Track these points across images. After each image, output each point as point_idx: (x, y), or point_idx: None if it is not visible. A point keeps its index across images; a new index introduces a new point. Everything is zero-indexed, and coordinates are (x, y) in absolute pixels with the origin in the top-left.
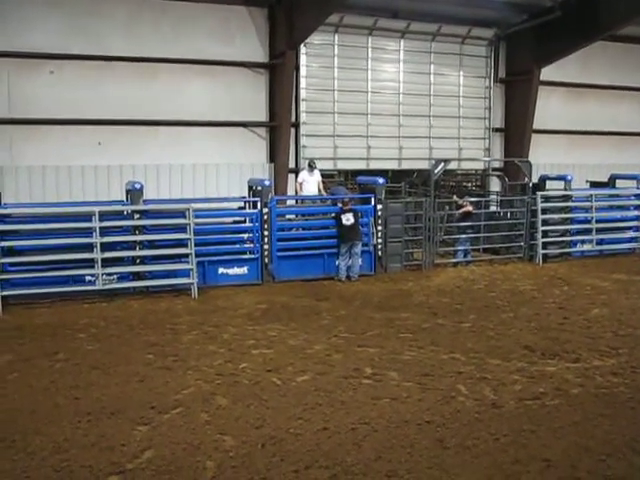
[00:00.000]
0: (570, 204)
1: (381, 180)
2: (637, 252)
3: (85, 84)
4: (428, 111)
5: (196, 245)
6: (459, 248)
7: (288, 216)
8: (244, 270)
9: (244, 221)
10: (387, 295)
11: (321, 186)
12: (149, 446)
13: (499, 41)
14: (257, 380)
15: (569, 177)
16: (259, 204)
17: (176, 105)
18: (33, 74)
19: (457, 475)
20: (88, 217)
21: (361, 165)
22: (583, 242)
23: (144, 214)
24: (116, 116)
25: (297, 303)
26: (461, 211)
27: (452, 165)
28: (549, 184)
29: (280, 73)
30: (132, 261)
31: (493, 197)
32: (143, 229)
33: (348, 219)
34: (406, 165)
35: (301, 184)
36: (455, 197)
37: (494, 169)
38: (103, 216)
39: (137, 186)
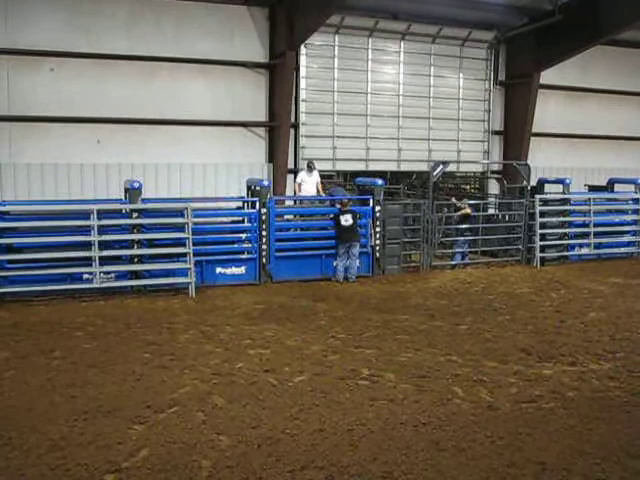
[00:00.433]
0: (568, 208)
1: (380, 181)
2: (634, 256)
3: (85, 82)
4: (428, 113)
5: (194, 244)
6: (457, 250)
7: (286, 216)
8: (242, 270)
9: (242, 221)
10: (384, 297)
11: (320, 187)
12: (145, 445)
13: (499, 44)
14: (254, 380)
15: (567, 181)
16: (257, 204)
17: (176, 104)
18: (33, 71)
19: (453, 477)
20: (86, 215)
21: (360, 166)
22: (581, 246)
23: (142, 213)
24: (116, 114)
25: (294, 303)
26: (459, 213)
27: (451, 167)
28: (547, 187)
29: (280, 73)
30: (130, 260)
31: (491, 200)
32: (141, 228)
33: (347, 220)
34: (405, 167)
35: (299, 185)
36: (454, 199)
37: (493, 172)
38: (101, 214)
39: (136, 185)
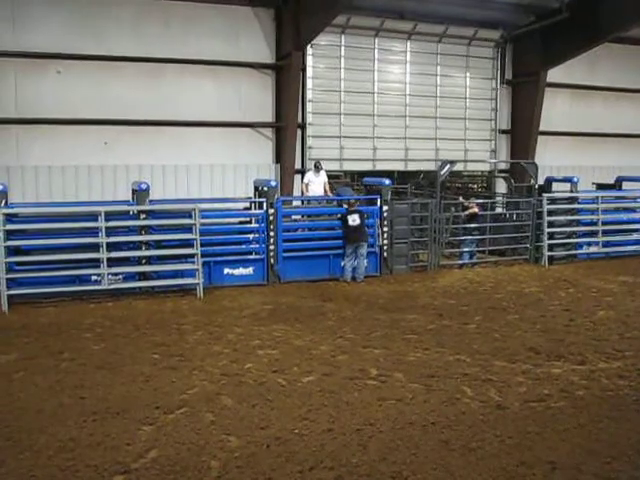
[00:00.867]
0: (576, 206)
1: (387, 181)
2: None
3: (92, 84)
4: (434, 112)
5: (202, 245)
6: (465, 250)
7: (294, 217)
8: (250, 270)
9: (250, 222)
10: (392, 296)
11: (327, 187)
12: (154, 446)
13: (506, 43)
14: (262, 380)
15: (575, 179)
16: (265, 205)
17: (182, 105)
18: (40, 74)
19: (462, 477)
20: (94, 217)
21: (367, 166)
22: (589, 244)
23: (150, 214)
24: (122, 116)
25: (302, 304)
26: (467, 213)
27: (458, 167)
28: (555, 186)
29: (287, 74)
30: (138, 261)
31: (499, 199)
32: (149, 229)
33: (354, 220)
34: (412, 166)
35: (307, 185)
36: (461, 198)
37: (500, 171)
38: (109, 216)
39: (143, 186)
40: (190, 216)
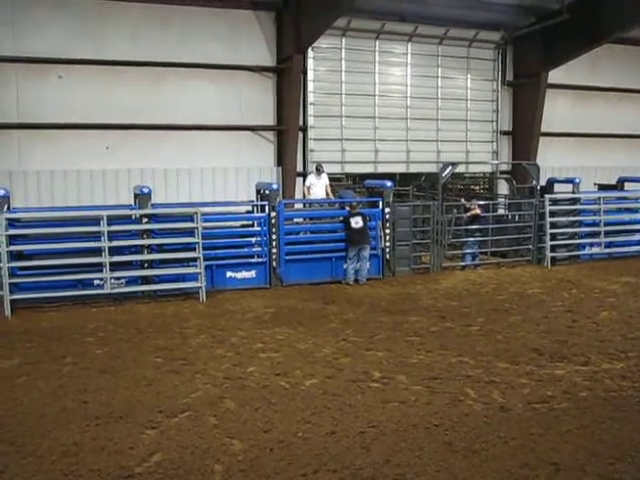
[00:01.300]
0: (578, 207)
1: (389, 183)
2: None
3: (93, 89)
4: (436, 114)
5: (204, 249)
6: (467, 251)
7: (296, 220)
8: (252, 274)
9: (252, 225)
10: (395, 299)
11: (329, 190)
12: (157, 450)
13: (506, 44)
14: (265, 384)
15: (577, 180)
16: (267, 208)
17: (184, 109)
18: (41, 79)
19: (465, 479)
20: (96, 221)
21: (369, 169)
22: (592, 245)
23: (152, 218)
24: (124, 120)
25: (305, 307)
26: (469, 214)
27: (460, 168)
28: (557, 187)
29: (288, 77)
30: (140, 265)
31: (501, 200)
32: (151, 233)
33: (357, 222)
34: (414, 168)
35: (309, 188)
36: (463, 200)
37: (502, 172)
38: (111, 220)
39: (145, 190)
40: (192, 220)
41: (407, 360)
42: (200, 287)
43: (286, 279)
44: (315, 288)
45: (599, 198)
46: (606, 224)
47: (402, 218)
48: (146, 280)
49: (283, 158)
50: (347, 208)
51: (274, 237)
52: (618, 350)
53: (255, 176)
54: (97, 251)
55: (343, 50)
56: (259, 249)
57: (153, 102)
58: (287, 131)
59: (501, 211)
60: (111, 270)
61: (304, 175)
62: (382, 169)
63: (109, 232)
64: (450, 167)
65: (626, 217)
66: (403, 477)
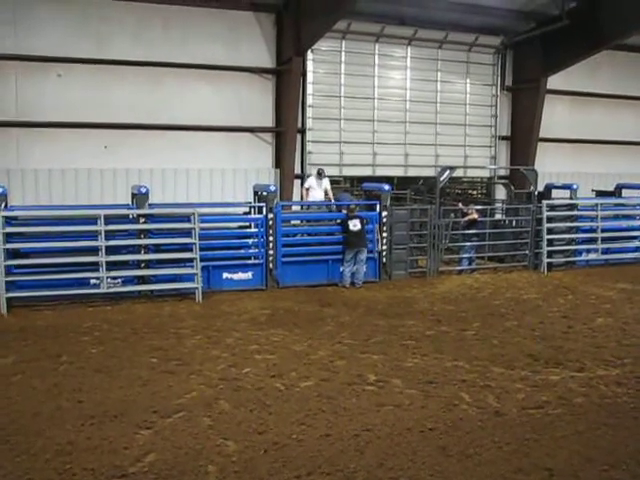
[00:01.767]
0: (576, 213)
1: (387, 187)
2: None
3: (92, 88)
4: (434, 118)
5: (201, 250)
6: (464, 256)
7: (293, 222)
8: (249, 275)
9: (249, 226)
10: (391, 302)
11: (330, 195)
12: (151, 450)
13: (506, 49)
14: (260, 385)
15: (575, 186)
16: (264, 209)
17: (183, 110)
18: (41, 77)
19: None
20: (93, 220)
21: (367, 172)
22: (588, 251)
23: (149, 218)
24: (123, 120)
25: (301, 309)
26: (466, 219)
27: (458, 173)
28: (555, 193)
29: (287, 79)
30: (137, 265)
31: (498, 205)
32: (148, 233)
33: (355, 225)
34: (412, 172)
35: (307, 190)
36: (460, 205)
37: (500, 177)
38: (108, 219)
39: (143, 190)
40: (189, 220)
41: (402, 364)
42: (196, 288)
43: (282, 281)
44: (311, 290)
45: (596, 204)
46: (603, 230)
47: (399, 222)
48: (142, 280)
49: (281, 160)
50: (344, 211)
51: (271, 239)
52: (613, 356)
53: (253, 177)
54: (94, 250)
55: (343, 53)
56: (256, 251)
57: (152, 102)
58: (286, 133)
59: (498, 216)
60: (108, 269)
61: (302, 177)
62: (380, 172)
63: (106, 231)
64: (448, 171)
65: (623, 224)
66: None
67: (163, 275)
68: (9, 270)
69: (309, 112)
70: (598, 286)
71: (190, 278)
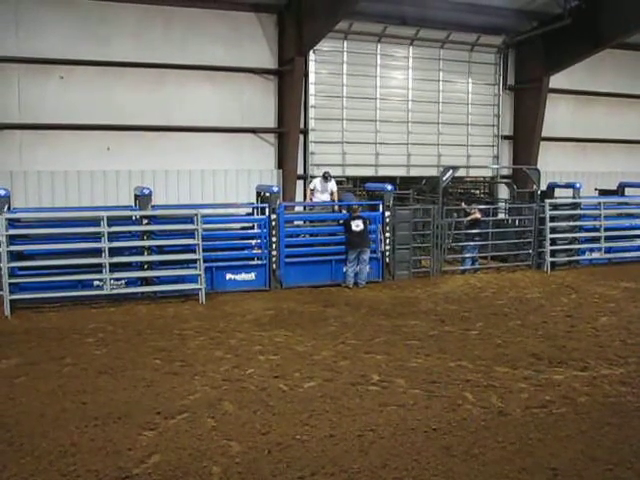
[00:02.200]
0: (579, 212)
1: (389, 187)
2: None
3: (94, 90)
4: (437, 118)
5: (204, 251)
6: (467, 255)
7: (296, 222)
8: (252, 276)
9: (252, 227)
10: (394, 302)
11: (335, 197)
12: (155, 451)
13: (508, 48)
14: (264, 386)
15: (577, 185)
16: (267, 210)
17: (185, 111)
18: (43, 79)
19: None
20: (96, 222)
21: (369, 172)
22: (591, 250)
23: (152, 219)
24: (125, 121)
25: (304, 309)
26: (469, 218)
27: (460, 172)
28: (557, 192)
29: (289, 79)
30: (140, 266)
31: (501, 205)
32: (151, 234)
33: (358, 225)
34: (414, 172)
35: (312, 191)
36: (463, 204)
37: (502, 176)
38: (111, 221)
39: (146, 191)
40: (192, 221)
41: (406, 364)
42: (200, 289)
43: (286, 281)
44: (315, 291)
45: (599, 203)
46: (606, 229)
47: (402, 222)
48: (146, 281)
49: (284, 161)
50: (344, 211)
51: (274, 239)
52: (617, 355)
53: (256, 178)
54: (97, 252)
55: (345, 53)
56: (259, 251)
57: (154, 103)
58: (288, 133)
59: (501, 215)
60: (111, 271)
61: (305, 178)
62: (383, 172)
63: (109, 233)
64: (451, 171)
65: (626, 222)
66: None
67: (166, 276)
68: (13, 272)
69: (311, 112)
70: (601, 285)
71: (193, 279)
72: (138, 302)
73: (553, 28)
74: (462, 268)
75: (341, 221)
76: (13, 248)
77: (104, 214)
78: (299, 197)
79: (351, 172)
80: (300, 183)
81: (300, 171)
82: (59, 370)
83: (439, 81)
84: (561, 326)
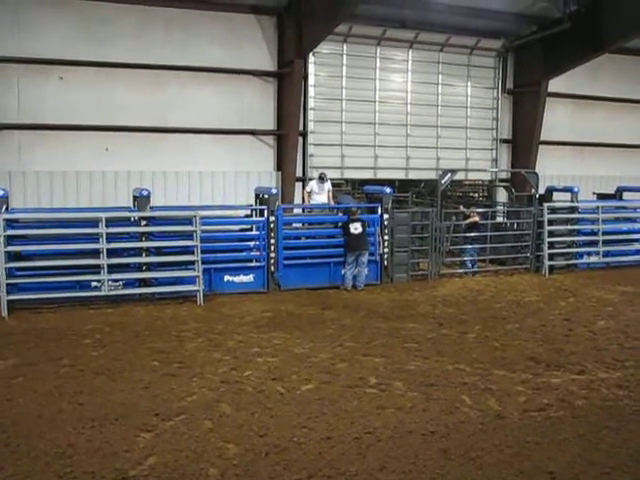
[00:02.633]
0: (577, 216)
1: (388, 190)
2: None
3: (94, 90)
4: (436, 121)
5: (202, 252)
6: (466, 258)
7: (295, 225)
8: (250, 278)
9: (251, 229)
10: (393, 305)
11: (330, 196)
12: (152, 453)
13: (507, 52)
14: (261, 388)
15: (576, 189)
16: (266, 212)
17: (184, 112)
18: (42, 80)
19: None
20: (95, 223)
21: (368, 174)
22: (589, 254)
23: (151, 221)
24: (124, 122)
25: (302, 312)
26: (468, 221)
27: (459, 175)
28: (556, 196)
29: (288, 82)
30: (138, 267)
31: (500, 208)
32: (150, 235)
33: (356, 228)
34: (413, 175)
35: (309, 193)
36: (462, 207)
37: (501, 180)
38: (110, 222)
39: (144, 192)
40: (191, 223)
41: (404, 366)
42: (198, 290)
43: (284, 284)
44: (313, 293)
45: (598, 207)
46: (604, 233)
47: (401, 224)
48: (144, 283)
49: (283, 163)
50: (341, 214)
51: (272, 241)
52: (615, 359)
53: (254, 180)
54: (95, 253)
55: (344, 56)
56: (257, 253)
57: (153, 104)
58: (287, 136)
59: (500, 219)
60: (109, 272)
61: (303, 180)
62: (381, 175)
63: (108, 234)
64: (449, 174)
65: (624, 226)
66: None
67: (165, 278)
68: (10, 273)
69: (310, 115)
70: (599, 289)
71: (192, 281)
72: (136, 303)
73: (552, 32)
74: (462, 271)
75: (340, 224)
76: (11, 248)
77: (102, 215)
78: (298, 199)
79: (350, 175)
80: (299, 185)
81: (299, 173)
82: (56, 371)
83: (438, 84)
84: (559, 329)
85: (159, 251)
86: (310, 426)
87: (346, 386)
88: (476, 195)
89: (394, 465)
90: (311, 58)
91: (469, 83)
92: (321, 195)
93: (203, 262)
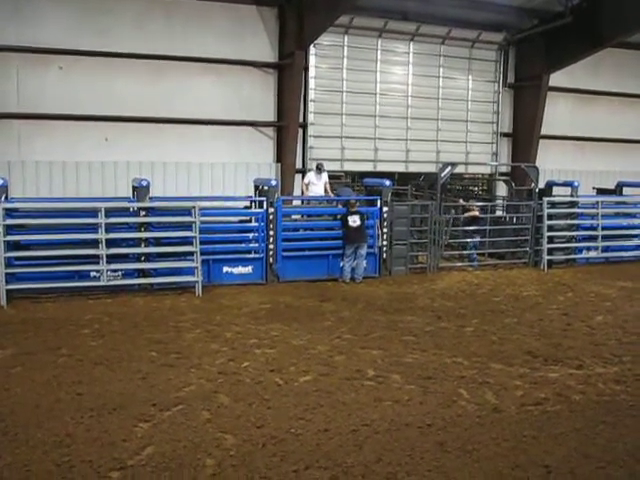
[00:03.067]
0: (576, 210)
1: (388, 182)
2: None
3: (94, 80)
4: (436, 114)
5: (201, 243)
6: (465, 252)
7: (294, 216)
8: (249, 269)
9: (250, 220)
10: (391, 298)
11: (327, 187)
12: (150, 443)
13: (509, 46)
14: (259, 379)
15: (576, 183)
16: (265, 204)
17: (184, 103)
18: (42, 69)
19: (457, 479)
20: (94, 213)
21: (368, 167)
22: (589, 249)
23: (150, 211)
24: (124, 113)
25: (301, 303)
26: (467, 215)
27: (459, 169)
28: (556, 190)
29: (289, 73)
30: (137, 258)
31: (499, 202)
32: (149, 226)
33: (354, 221)
34: (413, 168)
35: (307, 185)
36: (461, 201)
37: (501, 174)
38: (109, 212)
39: (144, 183)
40: (190, 214)
41: (401, 359)
42: (197, 281)
43: (282, 275)
44: (311, 285)
45: (597, 202)
46: (604, 228)
47: (400, 217)
48: (143, 273)
49: (282, 154)
50: (340, 206)
51: (271, 233)
52: (612, 354)
53: (254, 171)
54: (94, 243)
55: (345, 48)
56: (256, 245)
57: (154, 95)
58: (287, 127)
59: (499, 213)
60: (108, 262)
61: (303, 172)
62: (381, 168)
63: (107, 224)
64: (449, 167)
65: (624, 222)
66: (394, 476)
67: (163, 268)
68: (9, 262)
69: (311, 107)
70: (598, 284)
71: (190, 272)
72: (135, 294)
73: (554, 26)
74: (459, 264)
75: (339, 216)
76: (10, 238)
77: (102, 205)
78: (297, 191)
79: (349, 167)
80: (298, 177)
81: (299, 165)
82: (55, 361)
83: (439, 77)
84: (557, 324)
85: (158, 242)
86: (307, 418)
87: (344, 378)
88: (476, 189)
89: (391, 457)
90: (312, 50)
91: (470, 76)
92: (318, 186)
93: (202, 253)
